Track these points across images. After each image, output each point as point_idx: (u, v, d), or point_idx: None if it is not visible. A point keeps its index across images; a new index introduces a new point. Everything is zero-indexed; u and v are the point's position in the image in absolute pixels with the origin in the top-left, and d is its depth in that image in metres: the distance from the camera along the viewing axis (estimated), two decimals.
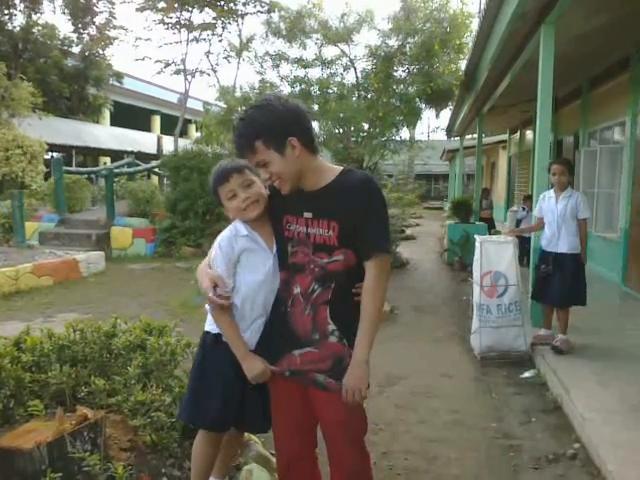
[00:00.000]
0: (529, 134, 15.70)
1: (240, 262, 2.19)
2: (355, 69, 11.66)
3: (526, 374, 4.99)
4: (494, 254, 5.43)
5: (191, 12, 22.29)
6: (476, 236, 5.84)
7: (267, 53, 11.84)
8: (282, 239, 2.17)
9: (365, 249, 2.06)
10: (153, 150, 24.56)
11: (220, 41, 23.92)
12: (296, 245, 2.12)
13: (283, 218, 2.16)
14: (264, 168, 2.03)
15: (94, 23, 26.16)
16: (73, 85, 25.78)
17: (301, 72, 11.66)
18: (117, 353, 3.21)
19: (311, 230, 2.08)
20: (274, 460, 2.99)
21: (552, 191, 5.41)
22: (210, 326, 2.27)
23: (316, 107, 11.09)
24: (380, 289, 2.06)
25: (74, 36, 26.13)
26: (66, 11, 25.54)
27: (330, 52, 11.84)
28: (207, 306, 2.21)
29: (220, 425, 2.27)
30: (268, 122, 1.98)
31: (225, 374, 2.20)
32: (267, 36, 11.83)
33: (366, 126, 11.55)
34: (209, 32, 23.13)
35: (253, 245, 2.19)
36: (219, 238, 2.23)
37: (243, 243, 2.19)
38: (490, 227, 12.45)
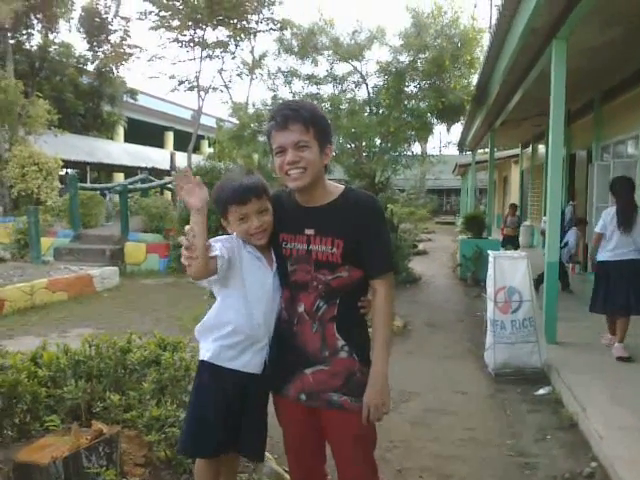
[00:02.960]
0: (541, 148, 15.67)
1: (242, 276, 2.12)
2: (367, 85, 11.76)
3: (541, 391, 4.93)
4: (508, 270, 5.41)
5: (205, 30, 22.59)
6: (489, 252, 5.82)
7: (279, 70, 11.99)
8: (280, 257, 2.15)
9: (373, 269, 2.09)
10: (166, 166, 24.79)
11: (233, 58, 24.15)
12: (295, 263, 2.11)
13: (279, 236, 2.15)
14: (299, 150, 1.99)
15: (109, 41, 26.58)
16: (88, 102, 26.18)
17: (313, 88, 11.77)
18: (132, 368, 3.24)
19: (313, 247, 2.07)
20: (287, 477, 2.98)
21: None
22: (204, 354, 2.16)
23: None
24: (390, 305, 2.11)
25: (89, 54, 26.59)
26: (81, 30, 26.00)
27: (342, 68, 11.95)
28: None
29: (219, 453, 2.18)
30: (325, 121, 2.09)
31: (221, 402, 2.11)
32: (279, 53, 11.99)
33: (378, 141, 11.61)
34: (222, 49, 23.42)
35: (256, 262, 2.15)
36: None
37: (245, 257, 2.13)
38: (515, 246, 11.85)
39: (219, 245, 2.05)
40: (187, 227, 1.96)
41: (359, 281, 2.09)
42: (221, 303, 2.17)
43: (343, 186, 2.16)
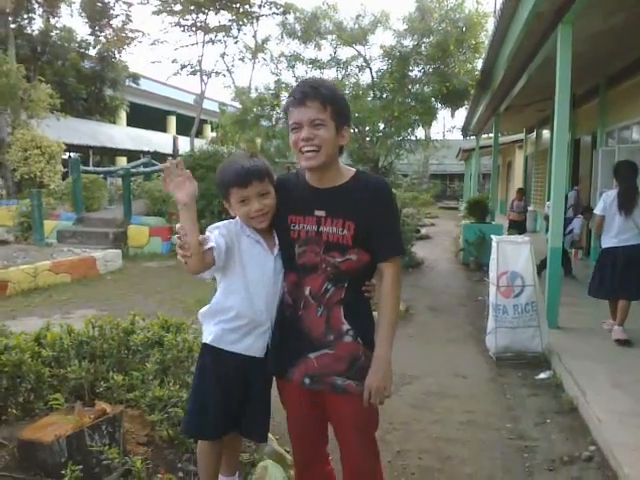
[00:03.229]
0: (546, 133, 15.58)
1: (242, 261, 2.11)
2: (370, 69, 11.67)
3: (542, 375, 4.96)
4: (511, 254, 5.41)
5: (207, 14, 22.46)
6: (492, 236, 5.82)
7: (282, 54, 11.89)
8: (287, 240, 2.11)
9: (383, 251, 2.07)
10: (169, 150, 24.74)
11: (236, 43, 24.09)
12: (304, 245, 2.08)
13: (287, 218, 2.12)
14: (314, 128, 1.97)
15: (111, 26, 26.42)
16: (90, 86, 26.06)
17: (316, 73, 11.68)
18: (135, 349, 3.26)
19: (324, 228, 2.05)
20: (289, 457, 3.02)
21: None
22: (206, 337, 2.17)
23: None
24: (397, 289, 2.10)
25: (91, 39, 26.44)
26: (83, 14, 25.83)
27: (345, 53, 11.87)
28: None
29: (222, 435, 2.20)
30: (344, 102, 2.08)
31: (223, 385, 2.13)
32: (282, 37, 11.88)
33: (382, 126, 11.55)
34: (225, 34, 23.31)
35: (255, 245, 2.13)
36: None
37: (245, 241, 2.12)
38: (520, 231, 11.50)
39: (215, 234, 2.05)
40: (177, 226, 1.96)
41: (367, 265, 2.08)
42: (224, 289, 2.17)
43: (354, 169, 2.15)
